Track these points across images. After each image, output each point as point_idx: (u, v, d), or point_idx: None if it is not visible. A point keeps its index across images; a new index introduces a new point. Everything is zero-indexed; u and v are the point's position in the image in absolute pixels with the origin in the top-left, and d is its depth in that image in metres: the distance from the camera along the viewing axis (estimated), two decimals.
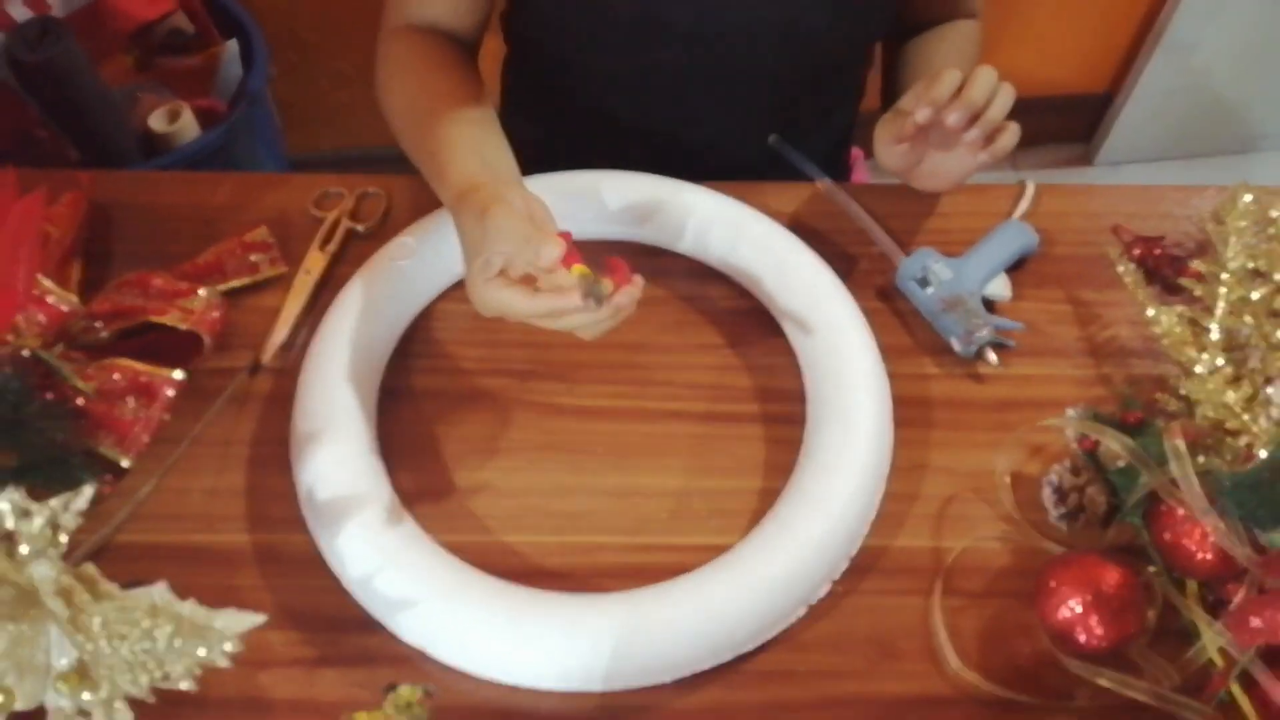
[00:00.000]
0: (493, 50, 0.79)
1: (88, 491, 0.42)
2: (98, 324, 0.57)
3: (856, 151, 0.87)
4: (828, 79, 0.71)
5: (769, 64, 0.66)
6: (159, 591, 0.42)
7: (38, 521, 0.41)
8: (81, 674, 0.42)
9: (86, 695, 0.42)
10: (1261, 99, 1.47)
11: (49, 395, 0.54)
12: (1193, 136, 1.51)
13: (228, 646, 0.42)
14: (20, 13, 0.98)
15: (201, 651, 0.41)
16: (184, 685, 0.42)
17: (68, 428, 0.52)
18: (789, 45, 0.65)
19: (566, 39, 0.68)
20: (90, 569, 0.43)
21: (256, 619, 0.42)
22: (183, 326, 0.56)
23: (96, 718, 0.42)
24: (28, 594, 0.42)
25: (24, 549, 0.41)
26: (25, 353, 0.54)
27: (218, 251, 0.62)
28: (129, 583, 0.44)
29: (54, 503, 0.41)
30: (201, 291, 0.58)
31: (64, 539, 0.41)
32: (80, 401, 0.54)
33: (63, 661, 0.42)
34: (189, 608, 0.42)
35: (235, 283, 0.60)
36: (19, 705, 0.42)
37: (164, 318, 0.56)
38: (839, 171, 0.83)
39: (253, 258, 0.61)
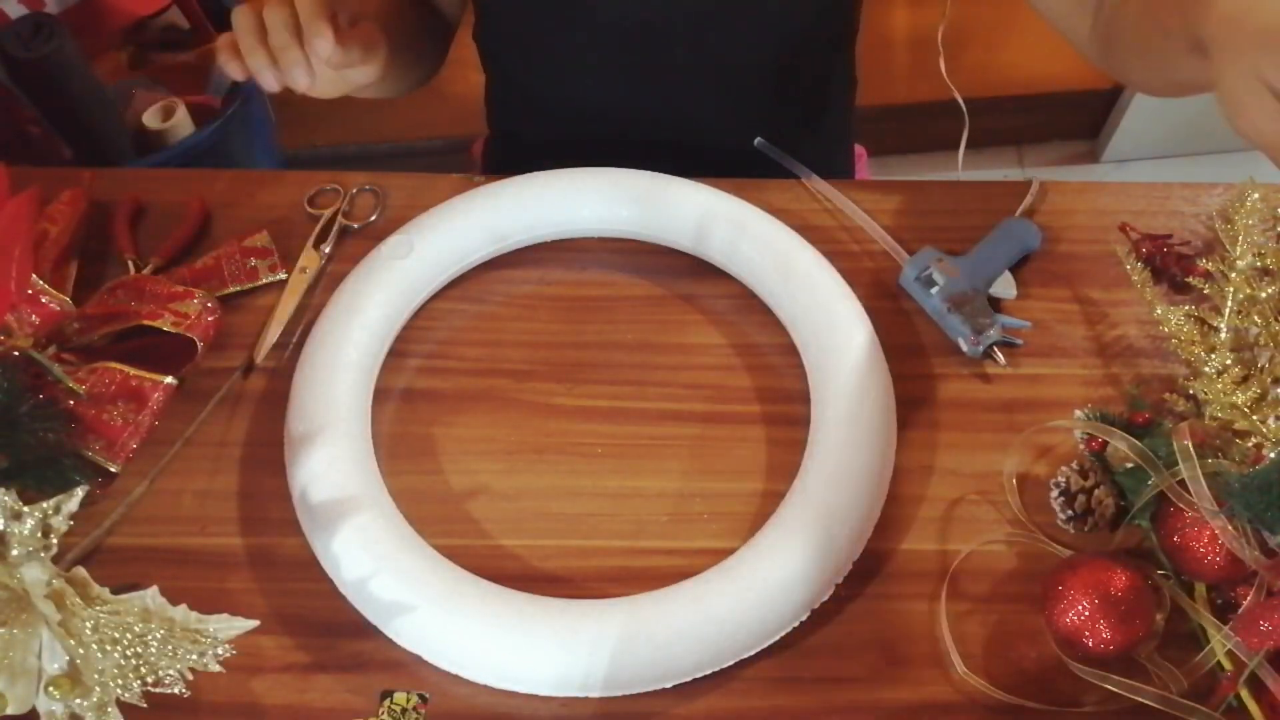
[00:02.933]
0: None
1: (79, 494, 0.41)
2: (86, 326, 0.56)
3: (860, 149, 0.87)
4: (800, 65, 0.70)
5: (721, 51, 0.65)
6: (151, 596, 0.41)
7: (29, 524, 0.41)
8: (73, 678, 0.42)
9: (78, 699, 0.41)
10: None
11: (40, 396, 0.53)
12: (1199, 133, 1.50)
13: (220, 651, 0.41)
14: (14, 9, 0.97)
15: (193, 656, 0.41)
16: (176, 689, 0.41)
17: (59, 429, 0.52)
18: (743, 31, 0.65)
19: (516, 28, 0.69)
20: (81, 573, 0.42)
21: (249, 624, 0.42)
22: (176, 331, 0.55)
23: None
24: (19, 597, 0.42)
25: (15, 551, 0.41)
26: (16, 353, 0.54)
27: (217, 256, 0.61)
28: (121, 586, 0.43)
29: (45, 505, 0.41)
30: (197, 296, 0.58)
31: (55, 541, 0.41)
32: (71, 404, 0.53)
33: (54, 665, 0.42)
34: (181, 612, 0.41)
35: (234, 288, 0.60)
36: (11, 709, 0.41)
37: (157, 322, 0.55)
38: (841, 169, 0.82)
39: (252, 263, 0.61)
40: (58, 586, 0.41)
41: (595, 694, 0.45)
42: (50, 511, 0.41)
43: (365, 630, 0.48)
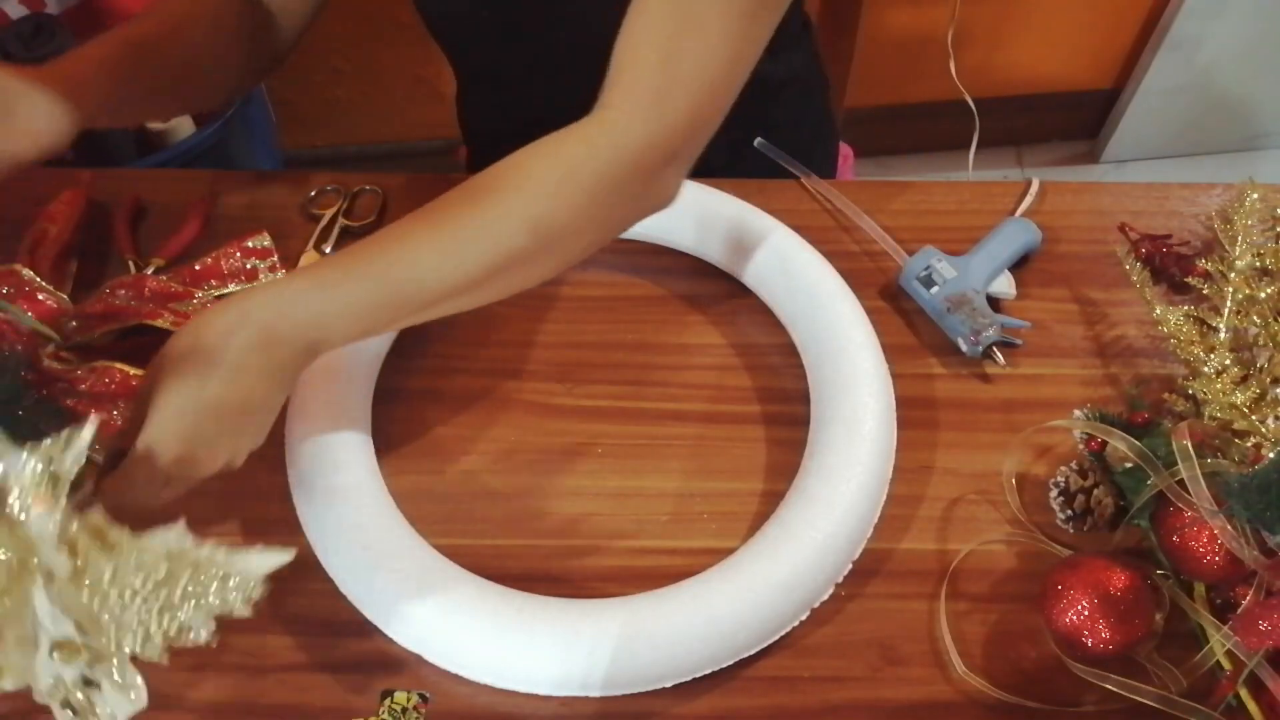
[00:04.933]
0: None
1: (88, 432, 0.36)
2: (85, 324, 0.56)
3: (846, 149, 0.87)
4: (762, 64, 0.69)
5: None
6: (176, 534, 0.37)
7: (32, 467, 0.35)
8: (80, 641, 0.37)
9: (87, 663, 0.37)
10: (1267, 96, 1.46)
11: (42, 393, 0.53)
12: (1198, 134, 1.50)
13: (254, 591, 0.37)
14: (15, 10, 0.98)
15: (220, 599, 0.37)
16: (202, 636, 0.37)
17: (60, 426, 0.52)
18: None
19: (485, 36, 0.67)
20: (97, 518, 0.37)
21: (284, 555, 0.37)
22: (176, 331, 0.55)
23: (105, 684, 0.37)
24: (21, 552, 0.36)
25: (17, 503, 0.35)
26: (17, 349, 0.54)
27: (217, 256, 0.61)
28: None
29: (48, 443, 0.36)
30: (197, 295, 0.58)
31: (63, 486, 0.36)
32: (70, 402, 0.53)
33: (59, 629, 0.37)
34: (208, 550, 0.37)
35: (234, 288, 0.60)
36: (7, 683, 0.37)
37: (157, 321, 0.55)
38: (825, 168, 0.82)
39: (252, 264, 0.61)
40: (72, 535, 0.36)
41: (595, 693, 0.45)
42: (56, 451, 0.35)
43: (365, 630, 0.48)
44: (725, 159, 0.65)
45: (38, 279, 0.57)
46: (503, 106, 0.74)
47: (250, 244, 0.61)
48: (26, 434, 0.49)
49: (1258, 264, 0.56)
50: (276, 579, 0.49)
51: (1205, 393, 0.51)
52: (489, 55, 0.69)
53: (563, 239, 0.45)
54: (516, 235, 0.44)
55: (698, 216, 0.60)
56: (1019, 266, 0.61)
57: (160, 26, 0.57)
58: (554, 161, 0.45)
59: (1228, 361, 0.52)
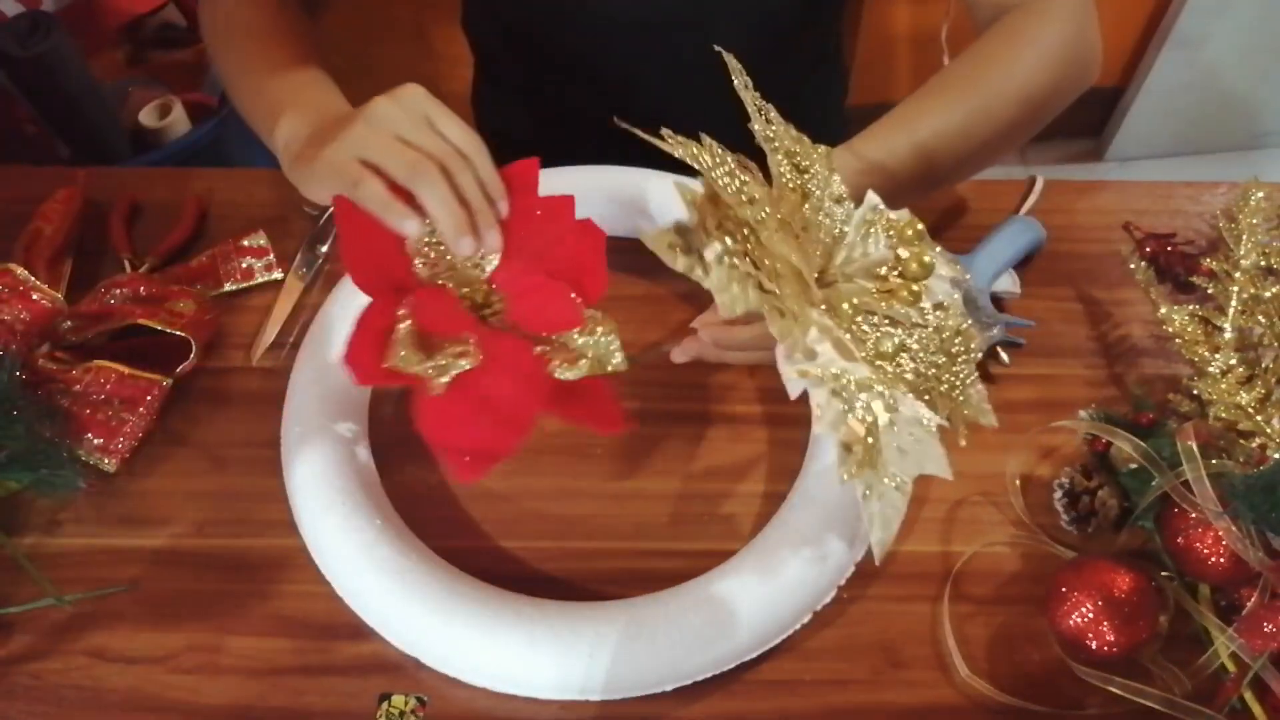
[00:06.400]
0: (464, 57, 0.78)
1: None
2: (80, 324, 0.56)
3: None
4: (787, 63, 0.70)
5: (713, 49, 0.66)
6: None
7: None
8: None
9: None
10: (1272, 94, 1.46)
11: (38, 393, 0.53)
12: (1203, 132, 1.50)
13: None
14: (11, 7, 0.97)
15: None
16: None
17: (56, 426, 0.52)
18: (740, 26, 0.64)
19: (520, 36, 0.68)
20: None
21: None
22: (171, 330, 0.55)
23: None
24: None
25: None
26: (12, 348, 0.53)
27: (212, 255, 0.61)
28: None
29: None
30: (192, 295, 0.57)
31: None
32: (66, 403, 0.53)
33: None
34: None
35: (230, 287, 0.59)
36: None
37: (153, 321, 0.55)
38: None
39: (247, 263, 0.60)
40: None
41: (595, 697, 0.45)
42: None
43: (363, 632, 0.47)
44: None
45: (32, 278, 0.56)
46: (528, 108, 0.74)
47: (246, 243, 0.61)
48: (21, 434, 0.49)
49: (1263, 263, 0.56)
50: (274, 581, 0.49)
51: (1210, 393, 0.51)
52: (530, 66, 0.70)
53: (1045, 106, 0.55)
54: (1010, 109, 0.53)
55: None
56: (1023, 265, 0.61)
57: (308, 56, 0.61)
58: (1031, 40, 0.54)
59: (1233, 361, 0.52)
